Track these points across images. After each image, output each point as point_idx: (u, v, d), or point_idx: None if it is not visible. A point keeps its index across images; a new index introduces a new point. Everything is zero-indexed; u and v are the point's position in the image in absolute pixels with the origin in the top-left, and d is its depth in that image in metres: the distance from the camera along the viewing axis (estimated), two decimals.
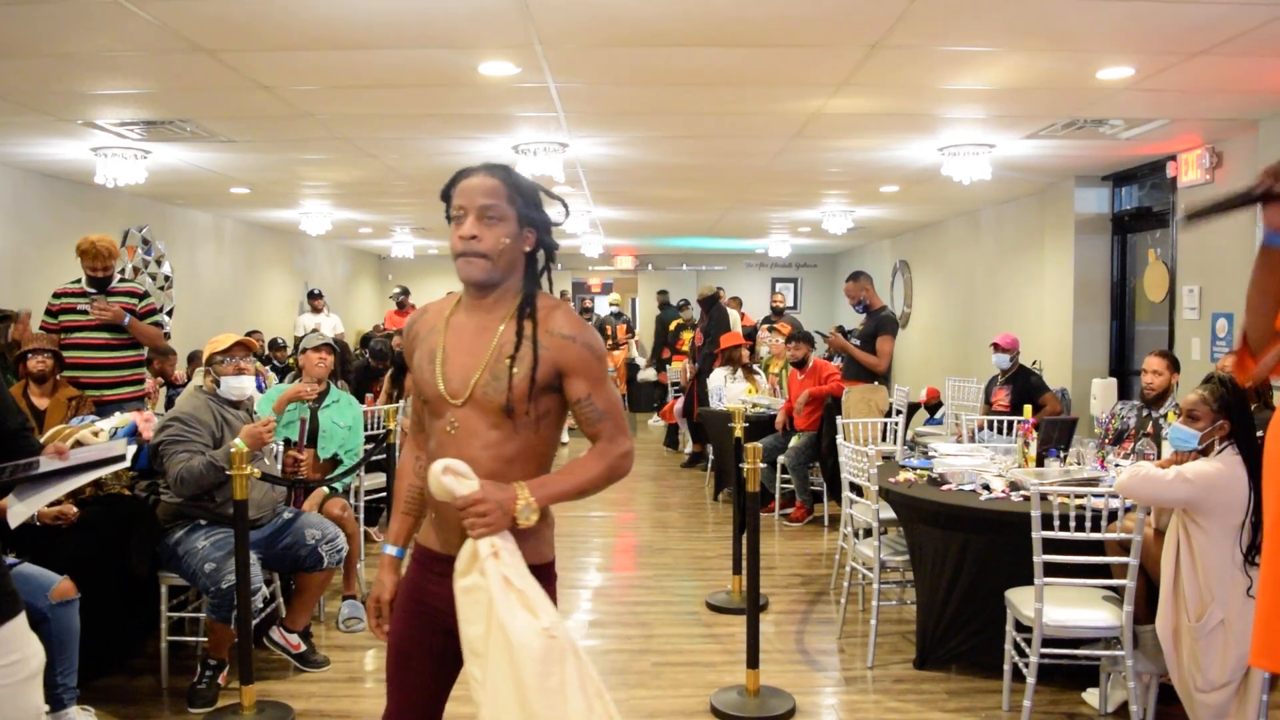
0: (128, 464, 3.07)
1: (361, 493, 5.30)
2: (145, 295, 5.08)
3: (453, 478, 1.85)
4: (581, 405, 1.94)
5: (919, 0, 3.47)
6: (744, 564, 3.90)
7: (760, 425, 7.01)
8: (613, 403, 1.97)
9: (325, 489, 4.57)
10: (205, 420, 3.80)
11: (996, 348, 6.40)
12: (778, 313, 11.11)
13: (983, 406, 6.54)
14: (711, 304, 9.40)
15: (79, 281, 4.94)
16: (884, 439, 5.97)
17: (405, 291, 12.29)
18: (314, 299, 11.42)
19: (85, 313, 4.82)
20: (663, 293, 13.85)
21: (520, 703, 1.77)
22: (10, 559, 3.27)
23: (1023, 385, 6.20)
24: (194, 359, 7.52)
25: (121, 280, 5.11)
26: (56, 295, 4.93)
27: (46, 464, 2.74)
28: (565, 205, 2.11)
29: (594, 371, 1.95)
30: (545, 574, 1.97)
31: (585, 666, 1.86)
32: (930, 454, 4.72)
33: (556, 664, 1.81)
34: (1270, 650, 1.71)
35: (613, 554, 6.20)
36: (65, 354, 4.78)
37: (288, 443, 4.42)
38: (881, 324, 6.51)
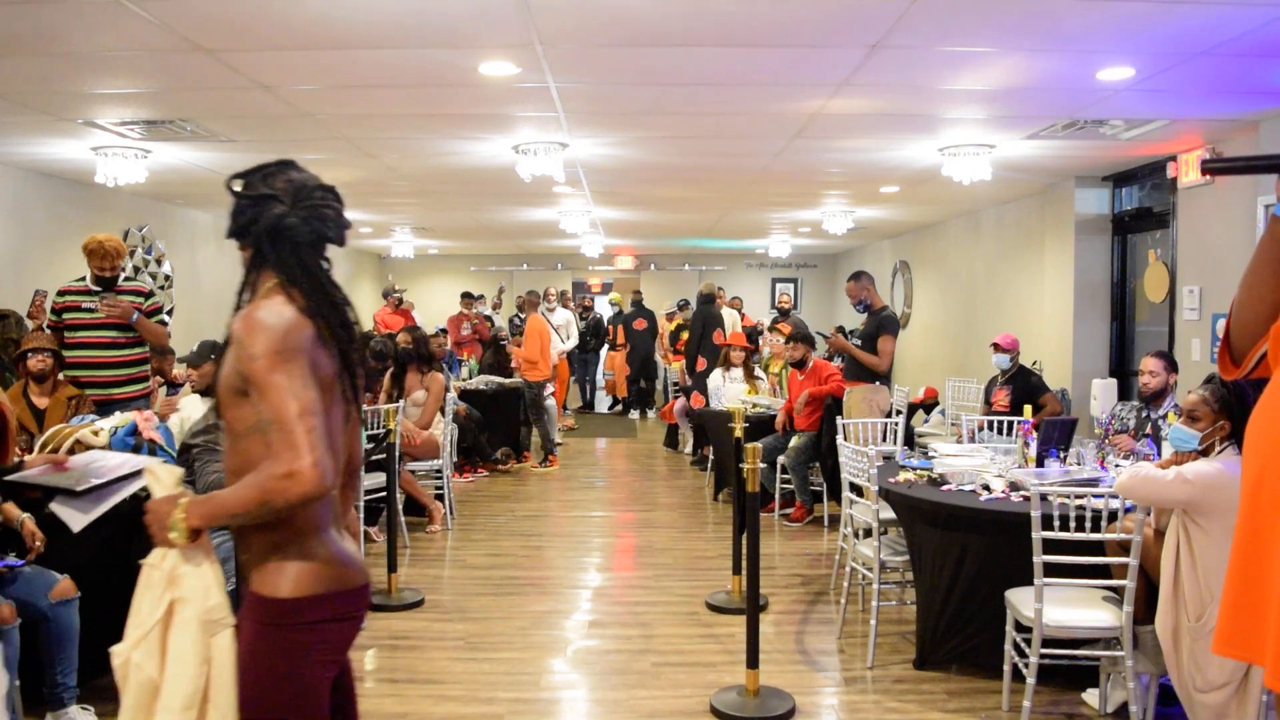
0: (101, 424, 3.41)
1: (361, 493, 5.30)
2: (150, 294, 5.08)
3: (148, 477, 1.87)
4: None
5: (919, 1, 3.47)
6: (744, 564, 3.89)
7: (760, 425, 7.01)
8: (280, 410, 1.69)
9: None
10: None
11: (997, 348, 6.40)
12: (783, 313, 11.11)
13: (983, 407, 6.54)
14: (701, 303, 9.45)
15: (83, 279, 4.94)
16: (884, 439, 5.97)
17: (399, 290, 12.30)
18: None
19: (90, 311, 4.81)
20: (636, 293, 13.94)
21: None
22: (13, 559, 3.28)
23: (1023, 385, 6.20)
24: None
25: (126, 280, 5.11)
26: (61, 294, 4.94)
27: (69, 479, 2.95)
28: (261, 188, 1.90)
29: (253, 372, 1.71)
30: (267, 611, 1.78)
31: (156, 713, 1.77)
32: (930, 454, 4.72)
33: (122, 688, 1.79)
34: (1234, 636, 1.71)
35: (613, 554, 6.20)
36: (69, 353, 4.78)
37: None
38: (883, 324, 6.51)
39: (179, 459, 3.90)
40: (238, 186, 1.89)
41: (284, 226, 1.86)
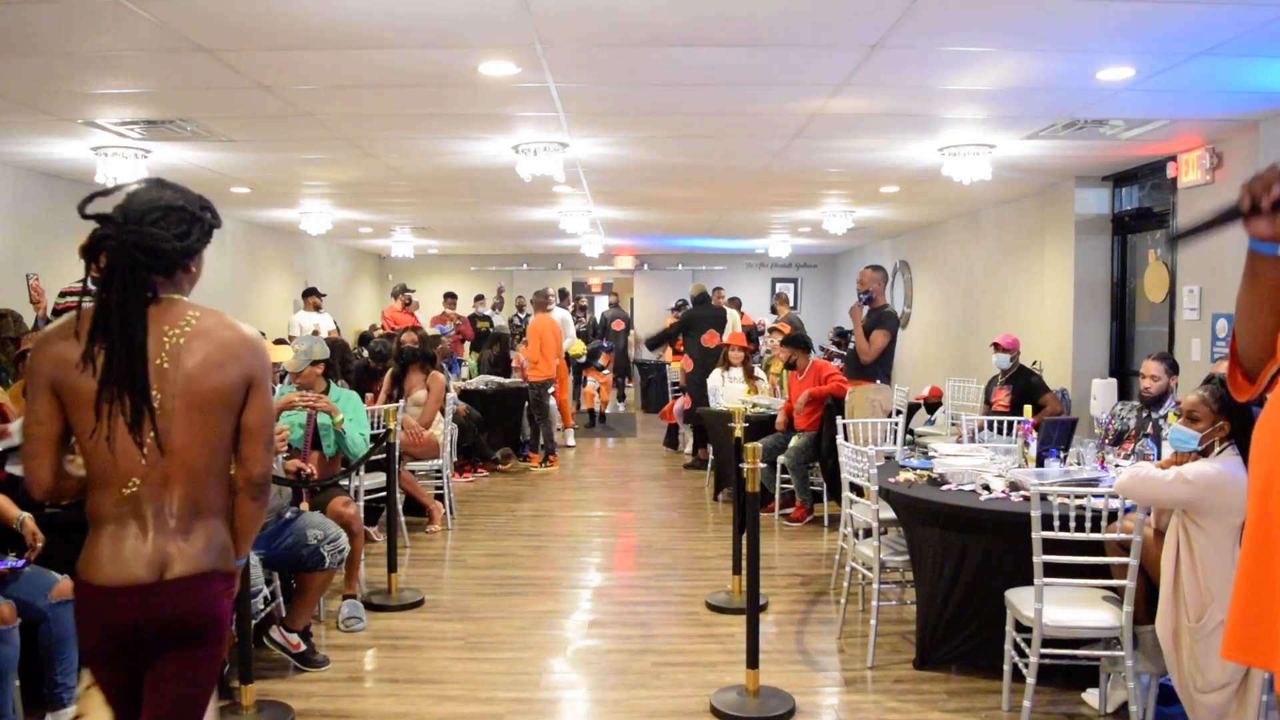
0: None
1: (361, 492, 5.30)
2: None
3: None
4: None
5: (919, 0, 3.47)
6: (744, 564, 3.89)
7: (760, 425, 7.01)
8: None
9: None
10: None
11: (997, 347, 6.40)
12: (775, 311, 11.14)
13: (983, 407, 6.54)
14: (695, 303, 9.52)
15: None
16: (886, 439, 5.97)
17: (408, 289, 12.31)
18: (315, 296, 11.24)
19: None
20: (615, 294, 14.01)
21: None
22: (12, 560, 3.28)
23: (1023, 385, 6.20)
24: None
25: None
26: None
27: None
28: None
29: None
30: None
31: None
32: (930, 454, 4.72)
33: None
34: (1242, 642, 1.71)
35: (613, 554, 6.19)
36: None
37: (290, 449, 4.41)
38: (881, 319, 6.54)
39: None
40: (87, 208, 1.94)
41: (101, 248, 1.92)
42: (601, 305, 16.64)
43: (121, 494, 1.92)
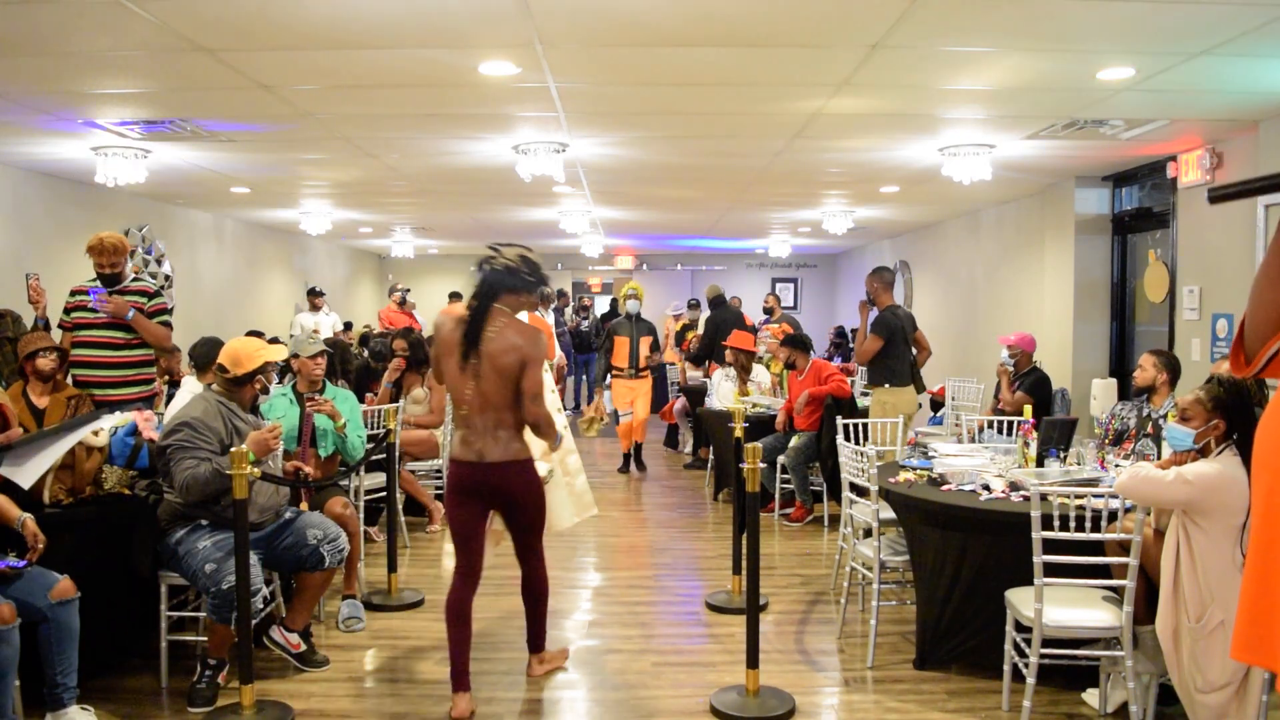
0: (101, 424, 3.94)
1: (361, 492, 5.30)
2: (156, 294, 5.05)
3: None
4: None
5: (919, 0, 3.47)
6: (744, 564, 3.90)
7: (760, 425, 7.01)
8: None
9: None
10: (215, 427, 3.78)
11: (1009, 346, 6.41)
12: (768, 312, 11.10)
13: (991, 403, 6.55)
14: (712, 306, 9.53)
15: (95, 280, 4.94)
16: (889, 440, 5.96)
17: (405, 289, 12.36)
18: (314, 296, 11.34)
19: (94, 310, 4.81)
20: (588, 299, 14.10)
21: None
22: (13, 560, 3.28)
23: (1030, 385, 6.18)
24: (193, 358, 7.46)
25: (136, 279, 5.09)
26: (72, 294, 4.94)
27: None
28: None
29: None
30: None
31: None
32: (930, 454, 4.72)
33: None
34: (1251, 643, 1.71)
35: (613, 554, 6.19)
36: (75, 352, 4.77)
37: (286, 454, 4.40)
38: (874, 324, 6.56)
39: (157, 459, 3.89)
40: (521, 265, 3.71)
41: (482, 265, 3.64)
42: (602, 306, 16.60)
43: (461, 413, 3.55)
